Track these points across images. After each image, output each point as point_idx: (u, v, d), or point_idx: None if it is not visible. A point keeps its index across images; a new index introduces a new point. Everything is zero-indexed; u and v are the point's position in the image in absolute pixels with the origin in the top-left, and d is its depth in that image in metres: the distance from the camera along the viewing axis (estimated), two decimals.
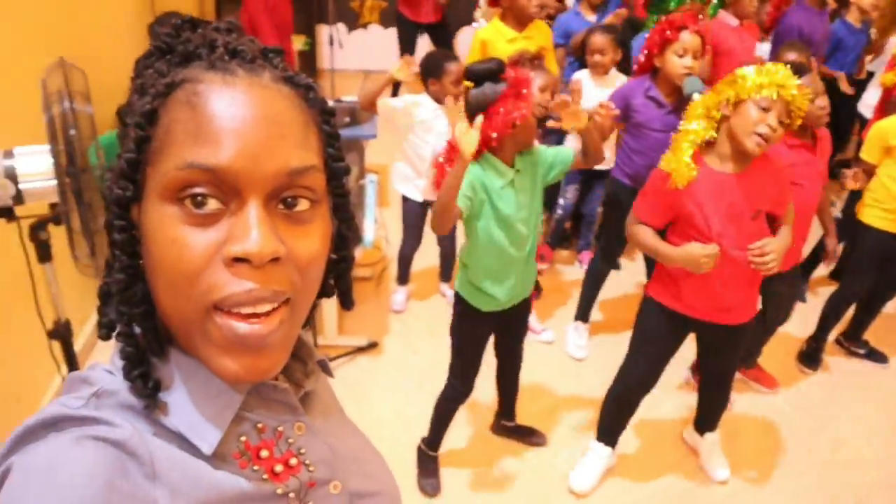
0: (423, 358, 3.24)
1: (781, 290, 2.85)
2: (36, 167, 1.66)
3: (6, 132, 2.28)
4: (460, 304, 2.30)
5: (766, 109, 1.96)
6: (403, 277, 3.58)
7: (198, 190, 0.54)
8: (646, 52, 2.76)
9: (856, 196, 3.21)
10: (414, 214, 3.32)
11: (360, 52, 7.04)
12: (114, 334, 0.61)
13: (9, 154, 1.67)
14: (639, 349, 2.41)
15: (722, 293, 2.18)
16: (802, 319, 3.51)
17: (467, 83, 2.03)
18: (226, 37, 0.60)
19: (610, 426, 2.58)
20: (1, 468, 0.51)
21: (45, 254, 1.79)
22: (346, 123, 3.44)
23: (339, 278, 0.70)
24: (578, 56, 3.56)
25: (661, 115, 2.78)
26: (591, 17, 4.08)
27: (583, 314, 3.37)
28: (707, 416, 2.67)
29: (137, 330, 0.60)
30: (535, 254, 2.28)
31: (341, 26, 7.06)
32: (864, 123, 4.38)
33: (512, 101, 1.97)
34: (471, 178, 2.03)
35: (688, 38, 2.63)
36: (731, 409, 2.98)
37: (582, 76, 3.38)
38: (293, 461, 0.64)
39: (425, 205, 3.27)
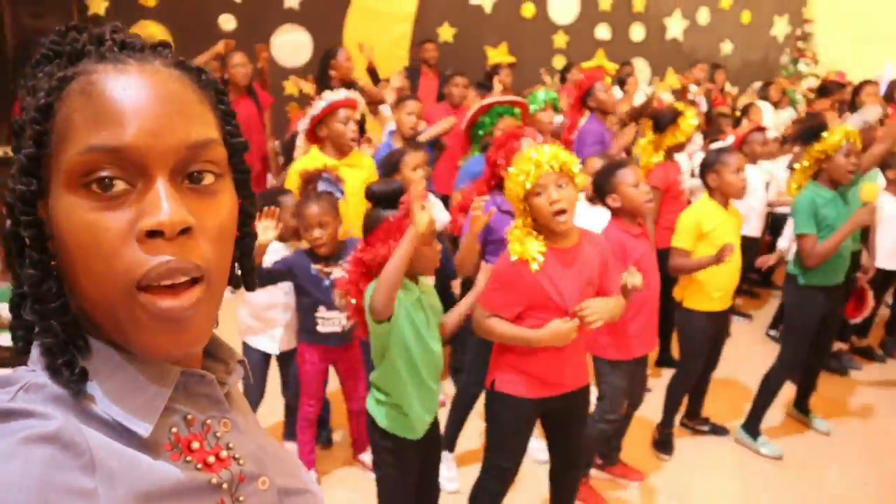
0: None
1: (637, 378, 2.96)
2: None
3: None
4: (384, 439, 2.19)
5: (540, 193, 2.13)
6: None
7: (103, 173, 0.56)
8: (490, 166, 2.87)
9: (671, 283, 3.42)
10: (260, 369, 3.09)
11: None
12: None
13: None
14: (505, 441, 2.38)
15: (567, 361, 2.28)
16: (650, 409, 3.64)
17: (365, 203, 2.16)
18: (112, 34, 0.62)
19: None
20: None
21: None
22: None
23: (242, 256, 0.71)
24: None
25: None
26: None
27: (449, 444, 3.20)
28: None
29: (55, 324, 0.59)
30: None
31: None
32: None
33: (406, 223, 2.02)
34: None
35: (530, 143, 2.76)
36: None
37: None
38: (224, 454, 0.64)
39: (269, 356, 3.10)
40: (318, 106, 3.27)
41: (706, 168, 3.20)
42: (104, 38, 0.60)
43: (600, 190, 2.81)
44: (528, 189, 2.13)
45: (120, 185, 0.56)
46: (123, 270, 0.55)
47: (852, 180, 3.27)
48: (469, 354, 3.27)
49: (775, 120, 7.08)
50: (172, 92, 0.59)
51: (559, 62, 7.91)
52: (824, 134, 3.23)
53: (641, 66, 8.34)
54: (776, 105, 7.47)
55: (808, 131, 3.34)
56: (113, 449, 0.55)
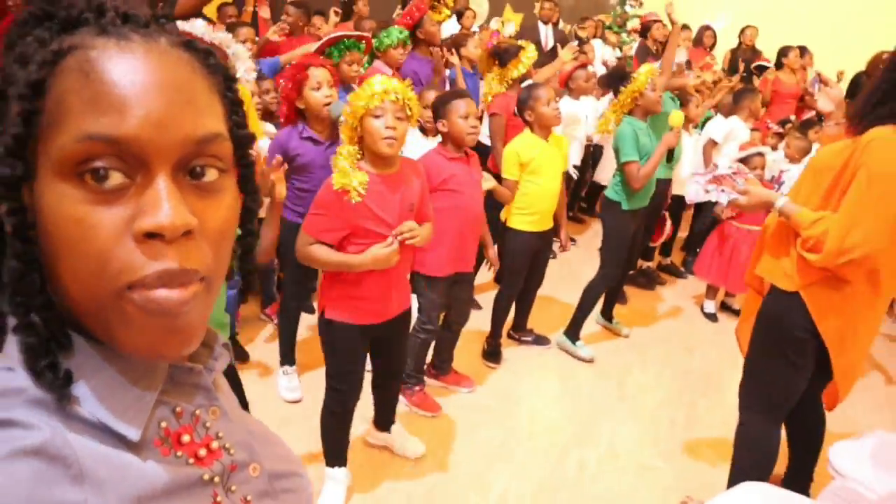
0: None
1: (461, 296, 3.21)
2: None
3: None
4: None
5: (380, 116, 2.23)
6: None
7: (99, 164, 0.51)
8: (285, 101, 2.90)
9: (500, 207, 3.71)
10: None
11: None
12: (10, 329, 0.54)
13: None
14: (341, 367, 2.48)
15: (393, 287, 2.40)
16: (481, 323, 3.96)
17: None
18: (114, 1, 0.56)
19: (338, 445, 2.62)
20: None
21: None
22: None
23: (243, 255, 0.68)
24: None
25: (320, 151, 2.92)
26: None
27: (283, 358, 3.36)
28: (388, 412, 2.86)
29: (37, 320, 0.54)
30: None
31: None
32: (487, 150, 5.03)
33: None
34: None
35: (318, 72, 2.83)
36: (442, 416, 3.24)
37: None
38: (214, 444, 0.63)
39: None
40: None
41: (522, 105, 3.48)
42: (105, 8, 0.54)
43: (436, 113, 3.00)
44: (369, 109, 2.22)
45: (117, 178, 0.51)
46: (116, 272, 0.51)
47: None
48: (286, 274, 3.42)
49: (605, 57, 7.60)
50: (181, 79, 0.54)
51: None
52: (634, 75, 3.75)
53: (481, 1, 8.55)
54: (608, 43, 8.00)
55: (612, 78, 3.78)
56: (101, 455, 0.53)
